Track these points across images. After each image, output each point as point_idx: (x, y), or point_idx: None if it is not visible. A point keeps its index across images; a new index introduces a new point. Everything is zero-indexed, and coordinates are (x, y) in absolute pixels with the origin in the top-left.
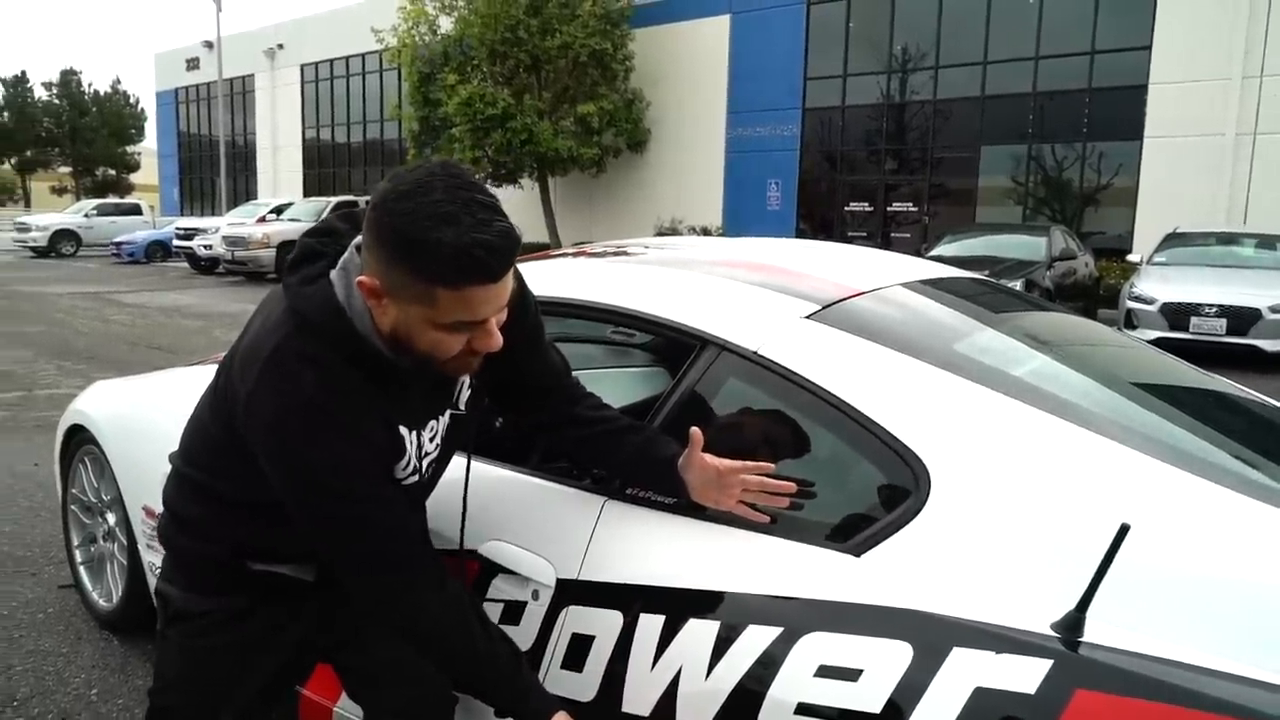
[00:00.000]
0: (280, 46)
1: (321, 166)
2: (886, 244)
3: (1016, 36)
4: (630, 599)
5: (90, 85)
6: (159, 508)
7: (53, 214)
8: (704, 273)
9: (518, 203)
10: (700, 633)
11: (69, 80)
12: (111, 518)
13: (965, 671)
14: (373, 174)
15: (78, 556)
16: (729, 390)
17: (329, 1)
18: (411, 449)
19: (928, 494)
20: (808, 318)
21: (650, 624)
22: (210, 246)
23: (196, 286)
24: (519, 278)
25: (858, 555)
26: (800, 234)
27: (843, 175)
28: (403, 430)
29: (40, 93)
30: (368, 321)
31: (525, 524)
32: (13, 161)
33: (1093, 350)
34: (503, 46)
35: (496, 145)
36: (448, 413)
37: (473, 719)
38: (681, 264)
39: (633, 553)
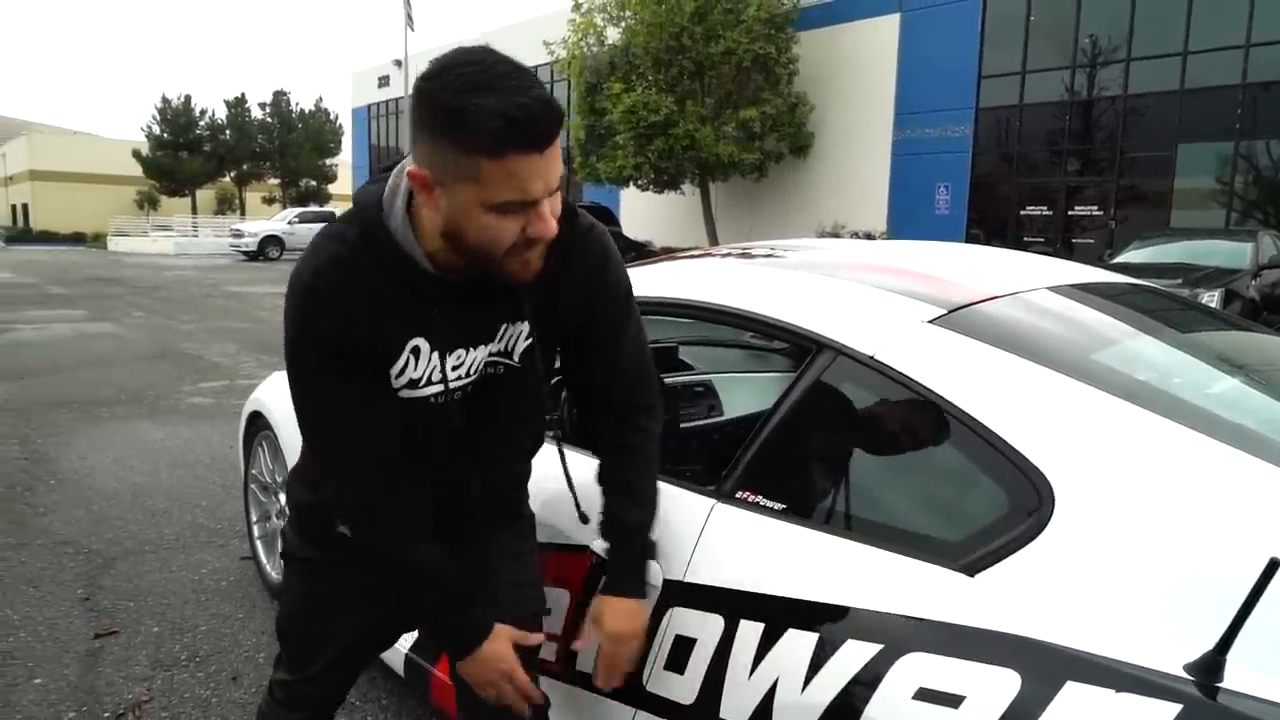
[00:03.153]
0: None
1: None
2: (1067, 250)
3: (1223, 23)
4: (732, 604)
5: (298, 104)
6: None
7: (262, 221)
8: (829, 275)
9: (679, 209)
10: (798, 644)
11: (279, 100)
12: (283, 498)
13: (1079, 708)
14: None
15: (255, 532)
16: (844, 394)
17: (505, 18)
18: (423, 363)
19: (1051, 513)
20: (930, 322)
21: (750, 631)
22: None
23: None
24: (616, 265)
25: (971, 575)
26: (971, 239)
27: (1019, 178)
28: (419, 341)
29: (256, 112)
30: (400, 223)
31: None
32: (232, 175)
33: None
34: (667, 54)
35: (659, 152)
36: (484, 348)
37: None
38: (807, 266)
39: (737, 557)
